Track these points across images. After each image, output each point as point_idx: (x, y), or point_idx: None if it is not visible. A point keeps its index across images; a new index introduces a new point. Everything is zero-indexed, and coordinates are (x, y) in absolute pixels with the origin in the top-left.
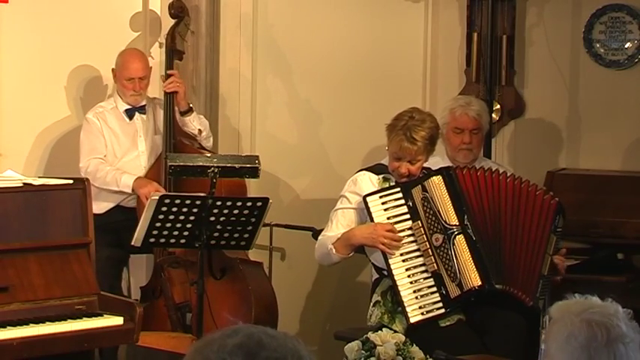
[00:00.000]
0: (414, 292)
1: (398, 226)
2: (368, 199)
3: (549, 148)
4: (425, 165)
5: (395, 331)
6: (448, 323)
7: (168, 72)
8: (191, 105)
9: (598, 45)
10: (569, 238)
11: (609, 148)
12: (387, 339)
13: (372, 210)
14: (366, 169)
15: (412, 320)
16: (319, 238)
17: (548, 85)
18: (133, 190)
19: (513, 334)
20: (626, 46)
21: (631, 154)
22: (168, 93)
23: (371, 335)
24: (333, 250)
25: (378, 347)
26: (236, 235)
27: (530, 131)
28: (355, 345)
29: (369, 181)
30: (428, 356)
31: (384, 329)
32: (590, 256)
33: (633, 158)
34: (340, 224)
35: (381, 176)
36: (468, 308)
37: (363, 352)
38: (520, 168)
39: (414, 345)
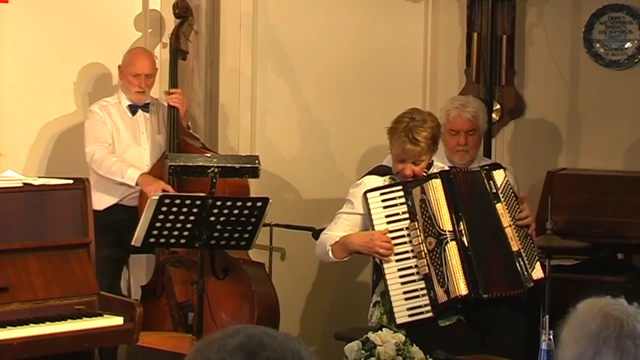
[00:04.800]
0: (404, 293)
1: (395, 225)
2: (368, 195)
3: (549, 148)
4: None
5: (395, 331)
6: (448, 323)
7: (172, 90)
8: (189, 124)
9: (598, 45)
10: (570, 238)
11: (609, 148)
12: (387, 339)
13: (371, 207)
14: (371, 173)
15: (398, 322)
16: (322, 234)
17: (548, 85)
18: (137, 184)
19: (513, 334)
20: (626, 46)
21: (631, 154)
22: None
23: (371, 335)
24: (330, 253)
25: (378, 347)
26: (236, 235)
27: (530, 131)
28: (355, 345)
29: (375, 185)
30: (428, 356)
31: (384, 329)
32: (590, 256)
33: (633, 158)
34: (343, 227)
35: (387, 177)
36: (468, 308)
37: (363, 352)
38: (520, 168)
39: (414, 345)
